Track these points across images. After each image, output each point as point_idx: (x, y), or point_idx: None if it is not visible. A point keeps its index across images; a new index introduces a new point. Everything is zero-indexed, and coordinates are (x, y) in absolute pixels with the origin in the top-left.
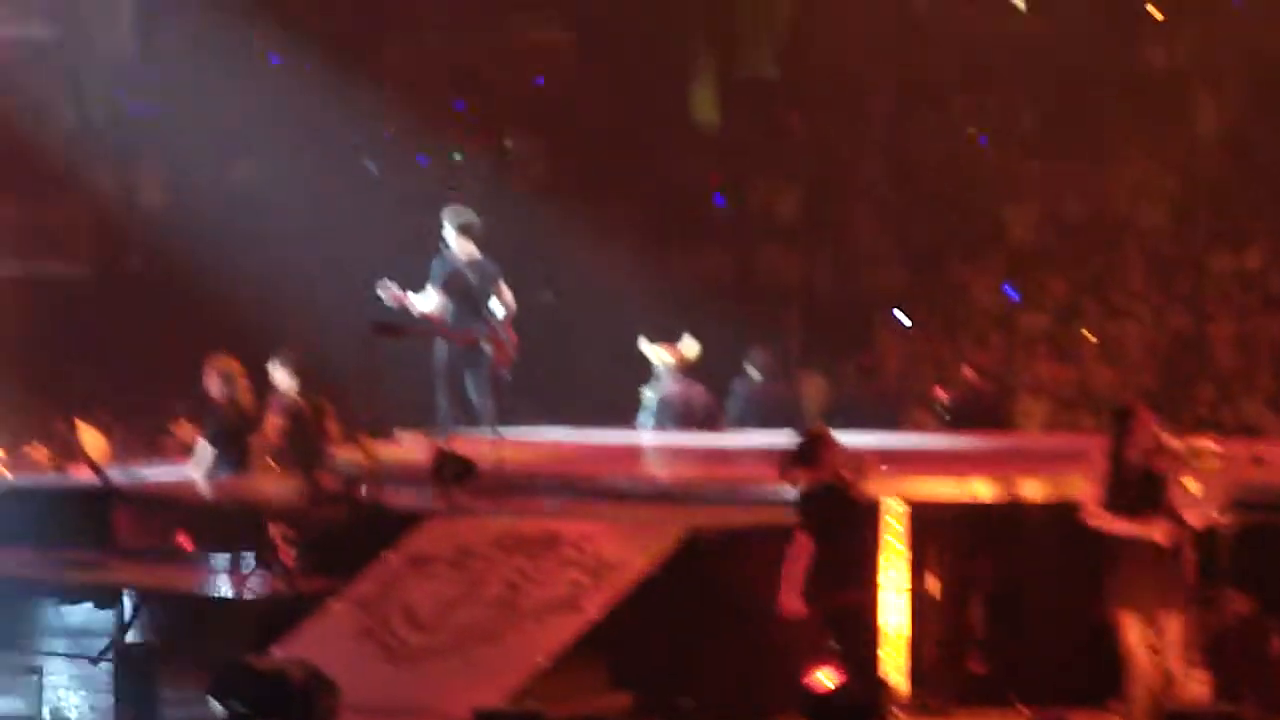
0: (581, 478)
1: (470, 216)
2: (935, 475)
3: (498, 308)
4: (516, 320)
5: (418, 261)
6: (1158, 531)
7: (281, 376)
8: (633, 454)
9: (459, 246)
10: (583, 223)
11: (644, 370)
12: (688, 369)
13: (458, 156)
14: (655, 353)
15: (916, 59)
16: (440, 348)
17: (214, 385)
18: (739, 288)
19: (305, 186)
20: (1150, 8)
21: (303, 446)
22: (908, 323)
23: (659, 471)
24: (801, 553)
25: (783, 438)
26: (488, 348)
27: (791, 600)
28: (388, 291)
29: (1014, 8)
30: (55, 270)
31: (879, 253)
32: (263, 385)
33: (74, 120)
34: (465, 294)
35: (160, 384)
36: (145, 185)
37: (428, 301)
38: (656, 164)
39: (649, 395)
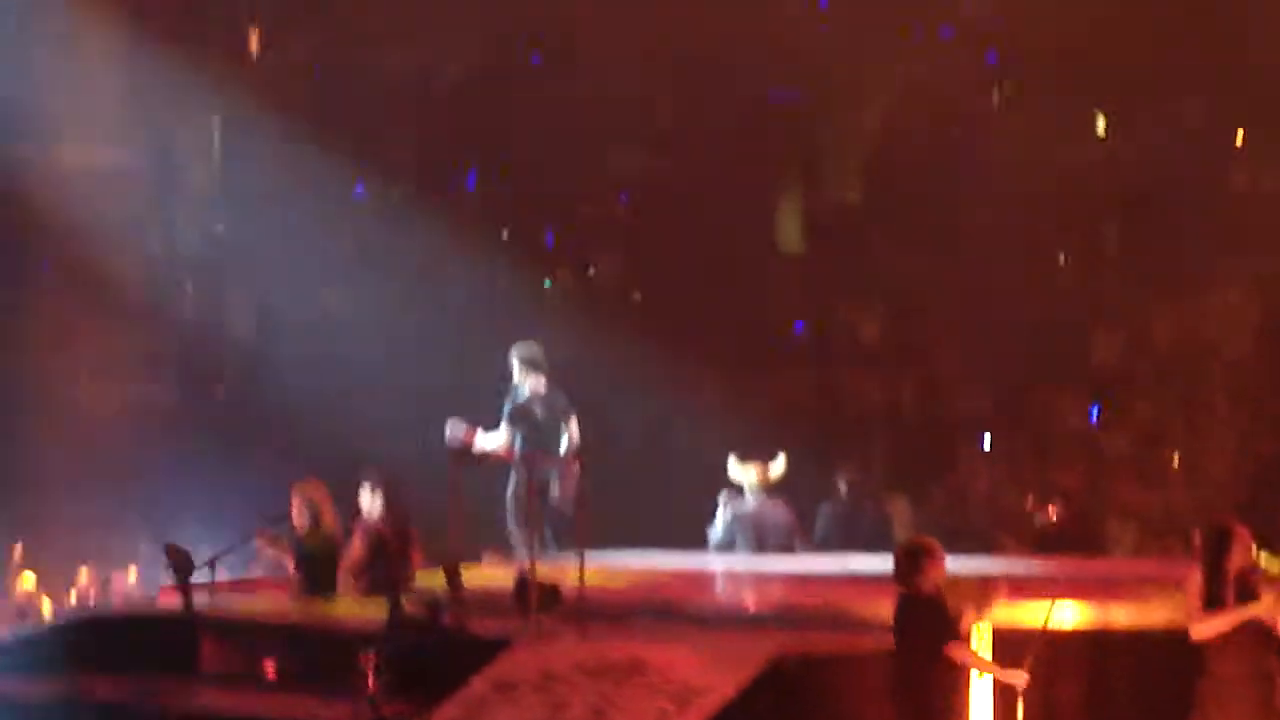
0: (667, 602)
1: (535, 350)
2: (1021, 599)
3: (564, 440)
4: (602, 447)
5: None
6: (1262, 608)
7: (367, 500)
8: (718, 577)
9: (526, 380)
10: (669, 348)
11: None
12: (771, 487)
13: (547, 284)
14: (742, 471)
15: (1000, 182)
16: (513, 477)
17: (299, 511)
18: (823, 411)
19: (391, 314)
20: (1236, 132)
21: (386, 572)
22: (988, 445)
23: (744, 595)
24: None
25: (869, 561)
26: (555, 482)
27: None
28: (458, 430)
29: (1097, 133)
30: (145, 396)
31: (963, 376)
32: (348, 511)
33: (162, 248)
34: (533, 427)
35: (246, 510)
36: (232, 313)
37: (496, 439)
38: (742, 289)
39: (725, 511)
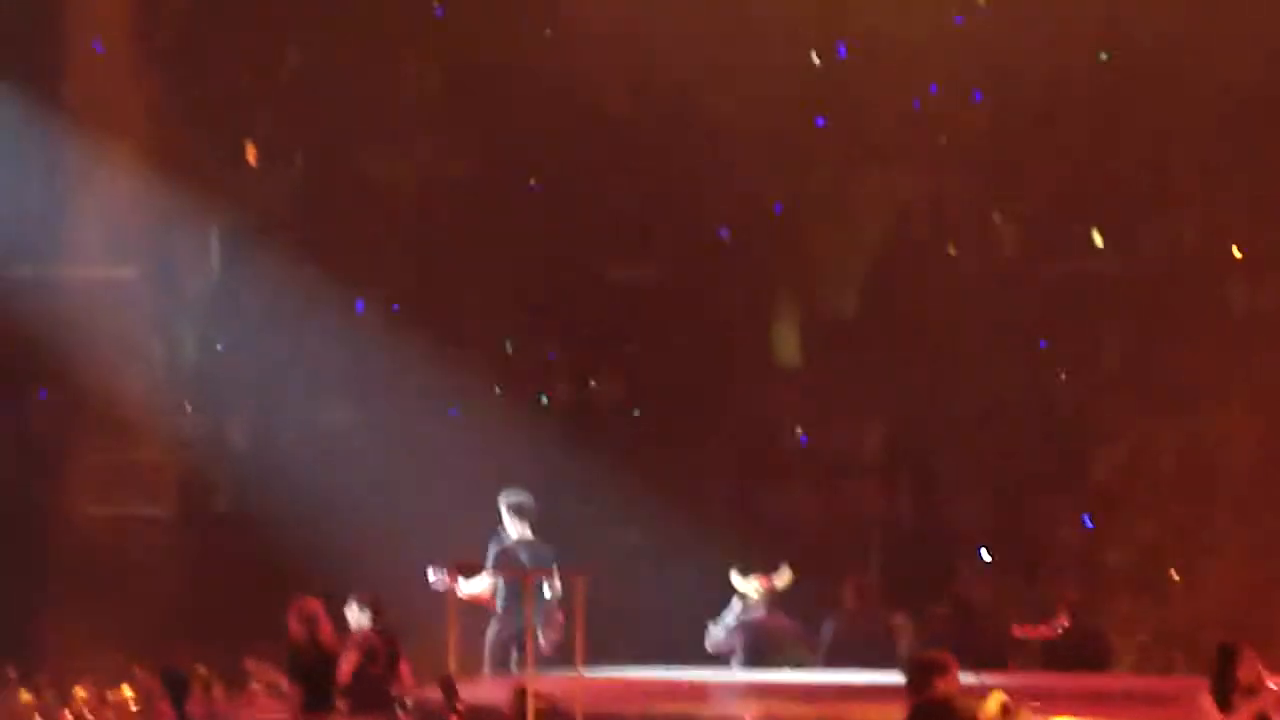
0: (668, 715)
1: (524, 499)
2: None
3: (547, 591)
4: (601, 562)
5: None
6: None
7: (356, 616)
8: (719, 690)
9: (512, 527)
10: (667, 460)
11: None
12: (775, 598)
13: (544, 400)
14: (745, 583)
15: (999, 298)
16: (493, 628)
17: (296, 627)
18: (822, 523)
19: (390, 431)
20: (1233, 248)
21: (375, 684)
22: (988, 559)
23: (744, 708)
24: None
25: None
26: (540, 630)
27: None
28: (439, 577)
29: (1095, 247)
30: (141, 511)
31: (962, 489)
32: (343, 629)
33: (161, 361)
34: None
35: (241, 625)
36: (232, 427)
37: (479, 585)
38: (740, 402)
39: (728, 620)
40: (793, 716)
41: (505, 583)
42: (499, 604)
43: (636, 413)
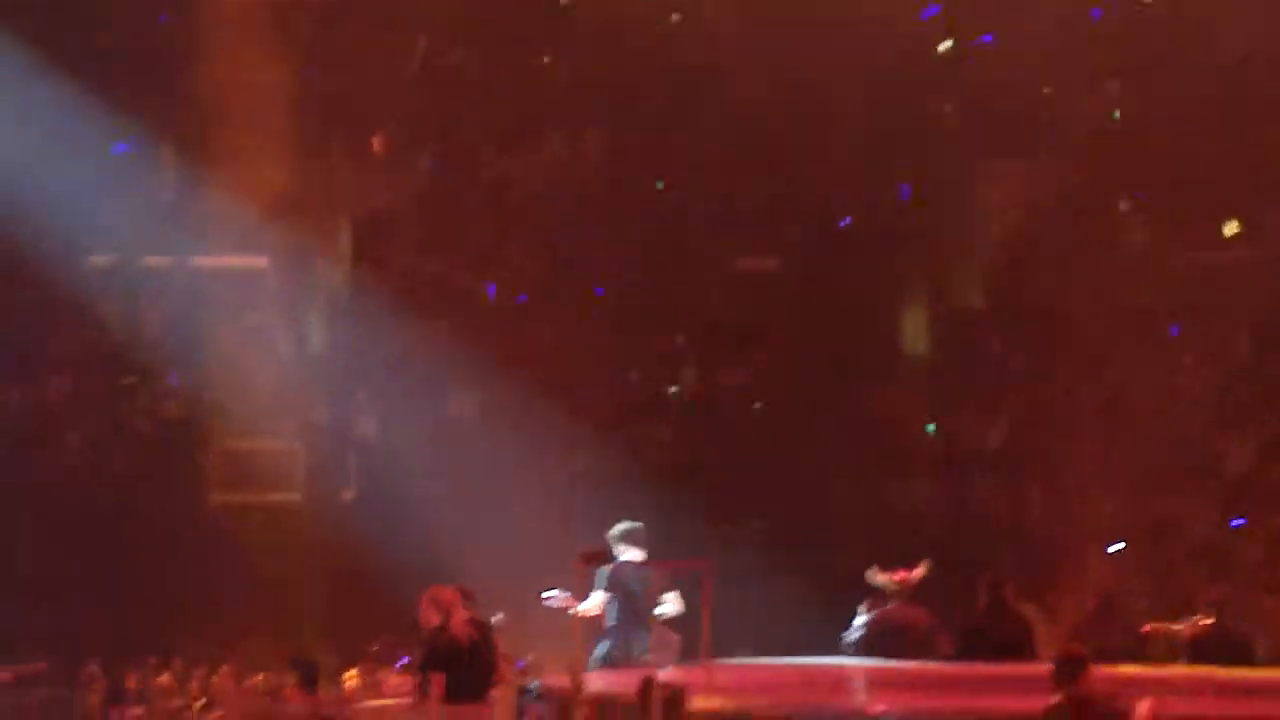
0: (798, 706)
1: (635, 529)
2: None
3: (665, 609)
4: (727, 555)
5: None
6: None
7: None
8: (851, 680)
9: (624, 553)
10: (794, 452)
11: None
12: (912, 591)
13: (673, 390)
14: (881, 579)
15: (1126, 288)
16: (601, 647)
17: (431, 614)
18: (948, 517)
19: (514, 419)
20: None
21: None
22: (1115, 552)
23: (876, 699)
24: None
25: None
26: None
27: None
28: (556, 599)
29: (1224, 237)
30: (270, 498)
31: (1091, 482)
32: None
33: (291, 349)
34: (627, 597)
35: (369, 611)
36: (359, 416)
37: (591, 604)
38: (867, 394)
39: (862, 616)
40: (925, 708)
41: (616, 602)
42: (609, 622)
43: (758, 405)
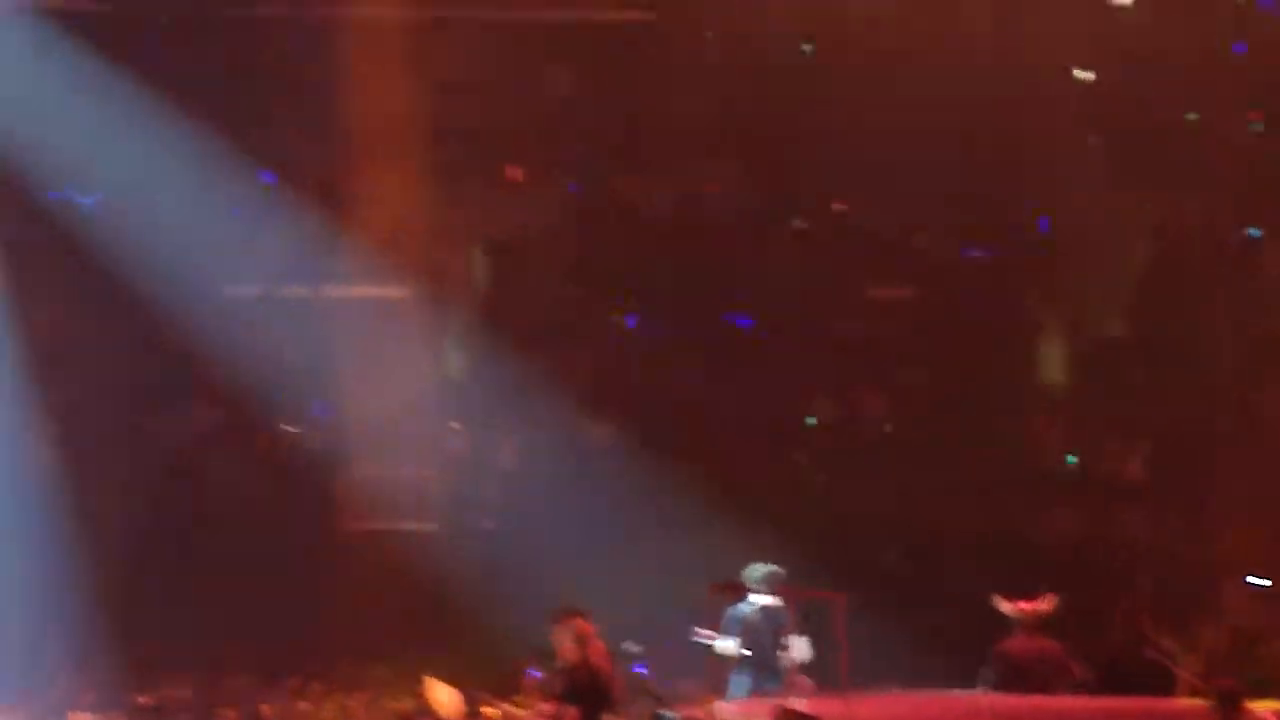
0: None
1: (769, 571)
2: None
3: (794, 650)
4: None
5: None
6: None
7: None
8: (988, 714)
9: (756, 595)
10: (927, 481)
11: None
12: (1040, 622)
13: (811, 421)
14: (1009, 610)
15: (1268, 316)
16: (737, 685)
17: (569, 646)
18: (1088, 546)
19: (653, 449)
20: None
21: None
22: (1257, 586)
23: None
24: None
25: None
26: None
27: None
28: (701, 634)
29: None
30: (408, 526)
31: (1230, 510)
32: None
33: (429, 378)
34: (756, 641)
35: (504, 641)
36: (499, 445)
37: (727, 644)
38: (1004, 424)
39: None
40: None
41: (747, 648)
42: (740, 665)
43: (888, 427)
